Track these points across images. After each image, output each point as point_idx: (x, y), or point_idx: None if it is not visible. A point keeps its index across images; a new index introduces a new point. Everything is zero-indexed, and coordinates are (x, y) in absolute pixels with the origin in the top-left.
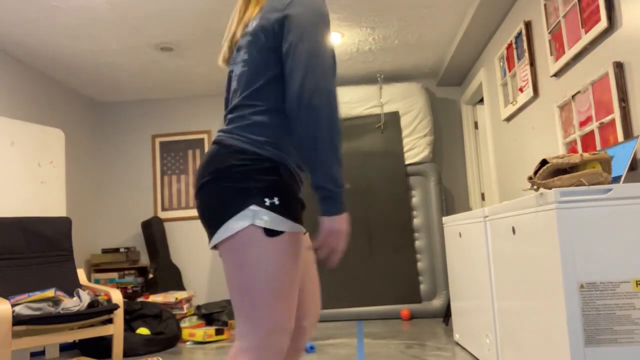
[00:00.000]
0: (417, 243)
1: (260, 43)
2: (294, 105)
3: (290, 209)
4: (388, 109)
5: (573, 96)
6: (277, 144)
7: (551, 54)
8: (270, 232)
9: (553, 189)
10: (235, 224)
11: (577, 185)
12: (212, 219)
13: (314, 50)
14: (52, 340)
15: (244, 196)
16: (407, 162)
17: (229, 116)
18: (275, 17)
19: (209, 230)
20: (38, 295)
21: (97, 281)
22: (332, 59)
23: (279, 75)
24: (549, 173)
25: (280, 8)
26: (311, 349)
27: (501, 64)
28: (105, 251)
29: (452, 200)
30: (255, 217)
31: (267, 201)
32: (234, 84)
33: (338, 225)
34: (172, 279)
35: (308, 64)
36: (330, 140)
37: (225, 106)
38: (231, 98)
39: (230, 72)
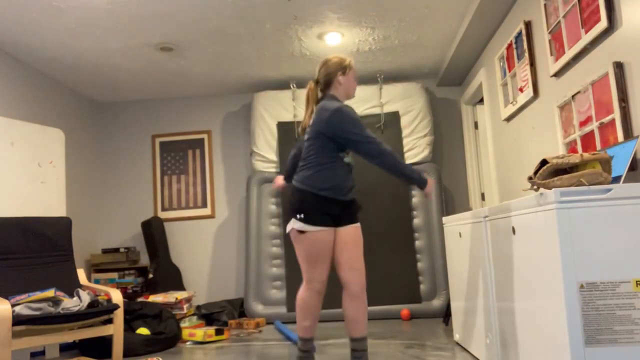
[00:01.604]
0: (417, 243)
1: (316, 129)
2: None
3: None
4: (388, 109)
5: (573, 96)
6: (316, 185)
7: (551, 54)
8: (300, 232)
9: (553, 189)
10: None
11: (577, 185)
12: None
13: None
14: (52, 340)
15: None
16: (407, 162)
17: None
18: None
19: None
20: (38, 295)
21: (97, 281)
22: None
23: (323, 146)
24: (549, 173)
25: (329, 109)
26: None
27: (501, 64)
28: (105, 251)
29: (452, 200)
30: (293, 223)
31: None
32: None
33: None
34: (172, 279)
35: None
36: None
37: (295, 160)
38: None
39: (304, 140)
